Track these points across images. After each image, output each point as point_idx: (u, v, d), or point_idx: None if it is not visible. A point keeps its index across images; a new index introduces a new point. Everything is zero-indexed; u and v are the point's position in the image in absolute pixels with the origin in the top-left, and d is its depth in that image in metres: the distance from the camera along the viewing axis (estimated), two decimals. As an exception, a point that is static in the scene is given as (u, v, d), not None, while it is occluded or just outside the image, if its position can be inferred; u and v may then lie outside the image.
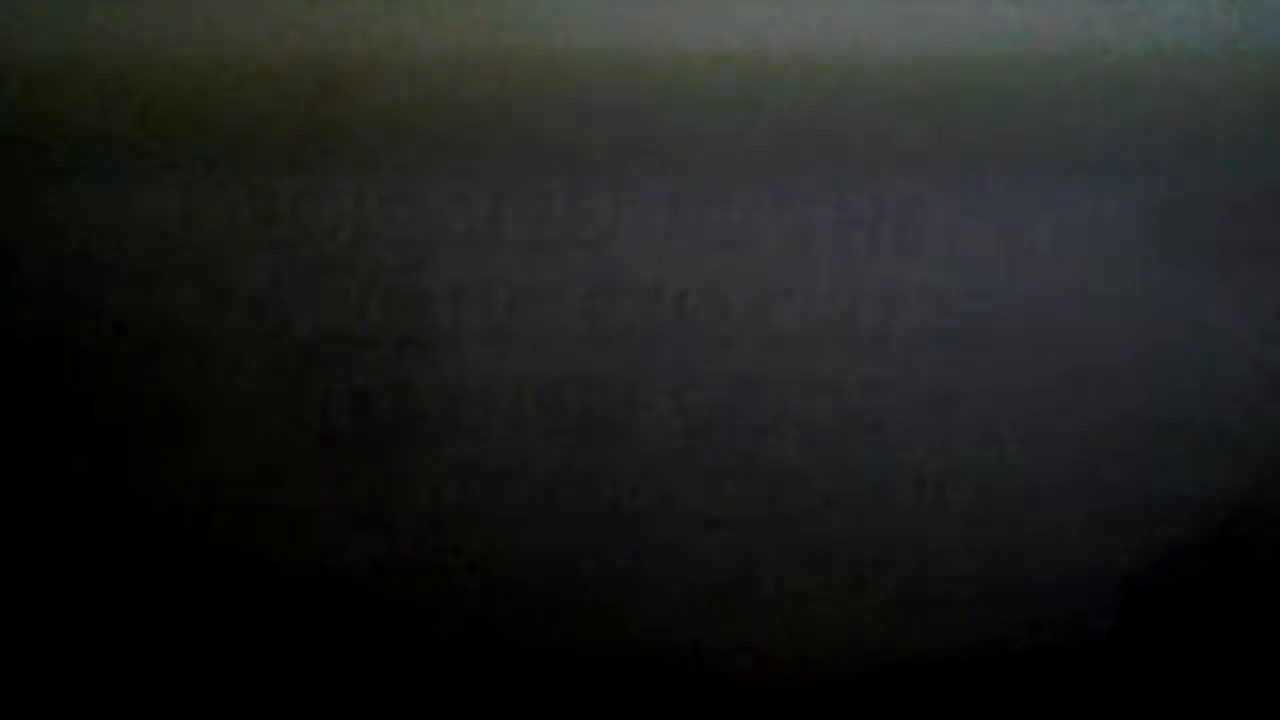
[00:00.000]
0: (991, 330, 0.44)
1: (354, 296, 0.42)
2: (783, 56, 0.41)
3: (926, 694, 0.48)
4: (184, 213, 0.40)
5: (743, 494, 0.45)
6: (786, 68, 0.41)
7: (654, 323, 0.43)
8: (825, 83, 0.41)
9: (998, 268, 0.43)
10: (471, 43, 0.40)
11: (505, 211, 0.42)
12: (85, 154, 0.39)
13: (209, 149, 0.40)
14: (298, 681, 0.45)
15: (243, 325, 0.41)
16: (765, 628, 0.47)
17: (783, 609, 0.47)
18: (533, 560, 0.45)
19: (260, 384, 0.42)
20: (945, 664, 0.48)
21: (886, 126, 0.42)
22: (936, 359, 0.44)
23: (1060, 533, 0.46)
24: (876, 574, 0.47)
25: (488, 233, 0.42)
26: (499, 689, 0.46)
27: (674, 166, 0.42)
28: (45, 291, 0.40)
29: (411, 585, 0.45)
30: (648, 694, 0.47)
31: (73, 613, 0.44)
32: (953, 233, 0.43)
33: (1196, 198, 0.43)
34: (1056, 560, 0.47)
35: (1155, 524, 0.46)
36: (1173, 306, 0.44)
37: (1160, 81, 0.42)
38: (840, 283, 0.43)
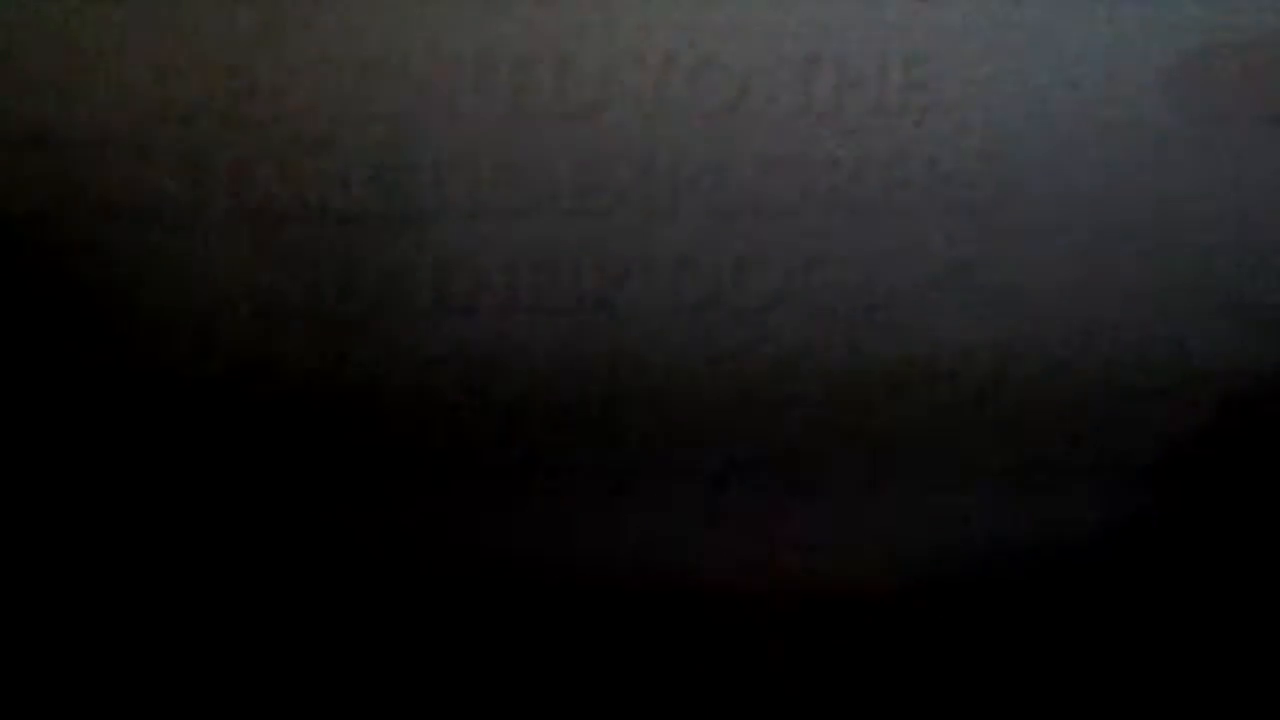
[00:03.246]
0: (1003, 197, 0.42)
1: (336, 173, 0.41)
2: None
3: (940, 594, 0.46)
4: (162, 91, 0.40)
5: (746, 373, 0.43)
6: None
7: (649, 195, 0.42)
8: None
9: (1009, 131, 0.41)
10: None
11: (490, 81, 0.40)
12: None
13: (185, 26, 0.39)
14: (296, 569, 0.45)
15: (225, 204, 0.41)
16: (768, 520, 0.45)
17: (787, 498, 0.45)
18: (527, 446, 0.44)
19: (245, 263, 0.41)
20: (961, 557, 0.46)
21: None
22: (947, 229, 0.42)
23: (1082, 411, 0.44)
24: (888, 459, 0.45)
25: (472, 104, 0.40)
26: (486, 584, 0.45)
27: (665, 30, 0.40)
28: (25, 169, 0.40)
29: (401, 469, 0.44)
30: (636, 593, 0.45)
31: (75, 495, 0.44)
32: (960, 96, 0.41)
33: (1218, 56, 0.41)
34: (1079, 441, 0.45)
35: (1181, 400, 0.44)
36: (1193, 170, 0.42)
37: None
38: (841, 150, 0.41)
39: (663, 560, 0.45)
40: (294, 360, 0.42)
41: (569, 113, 0.41)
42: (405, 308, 0.42)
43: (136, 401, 0.42)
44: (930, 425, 0.44)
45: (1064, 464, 0.45)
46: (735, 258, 0.42)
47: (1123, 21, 0.41)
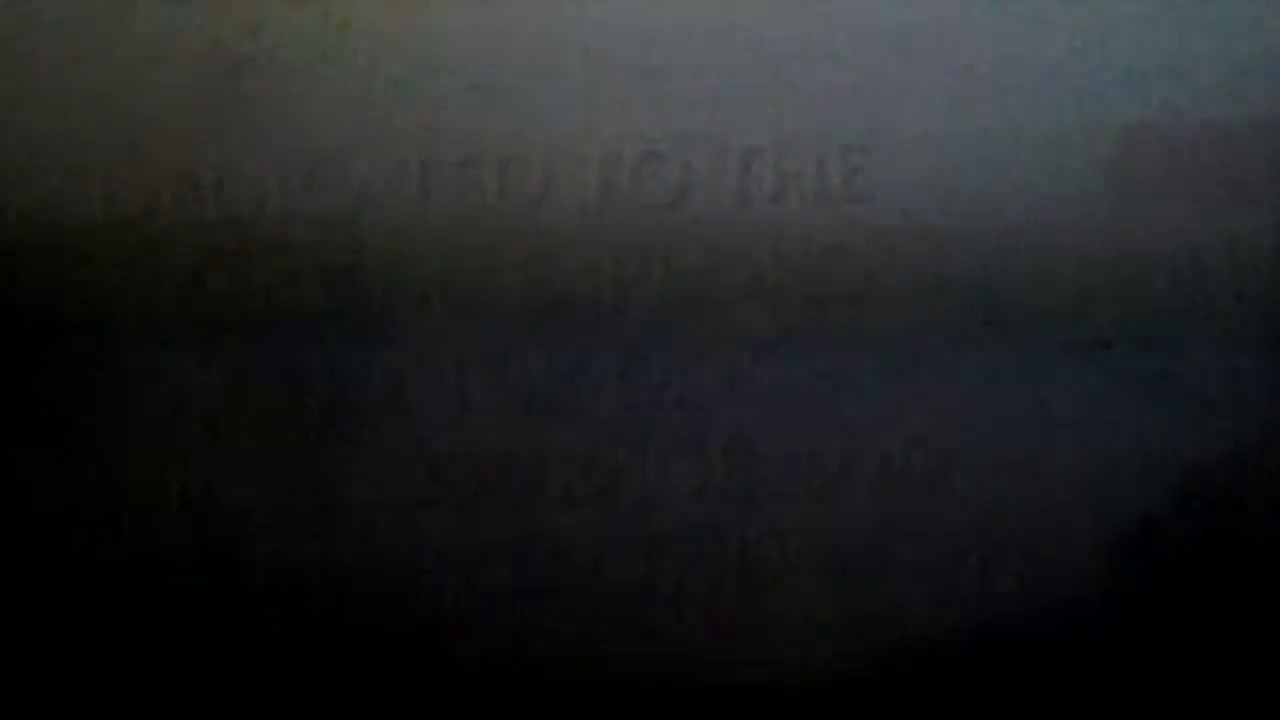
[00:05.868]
0: (950, 279, 0.42)
1: (284, 275, 0.41)
2: None
3: (901, 679, 0.45)
4: (106, 196, 0.40)
5: (697, 468, 0.43)
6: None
7: (596, 289, 0.42)
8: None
9: (951, 217, 0.42)
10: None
11: (435, 181, 0.41)
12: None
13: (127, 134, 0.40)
14: (242, 679, 0.44)
15: (173, 310, 0.41)
16: (728, 613, 0.44)
17: (744, 591, 0.44)
18: (483, 549, 0.43)
19: (193, 370, 0.41)
20: (920, 646, 0.45)
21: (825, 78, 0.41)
22: (894, 312, 0.42)
23: (1036, 500, 0.44)
24: (842, 552, 0.44)
25: (418, 205, 0.41)
26: (449, 684, 0.44)
27: (606, 126, 0.41)
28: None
29: (357, 577, 0.43)
30: (603, 687, 0.44)
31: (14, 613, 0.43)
32: (901, 184, 0.42)
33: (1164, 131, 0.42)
34: (1032, 528, 0.44)
35: (1138, 486, 0.44)
36: (1136, 249, 0.42)
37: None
38: (781, 238, 0.42)
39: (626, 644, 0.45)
40: (246, 467, 0.42)
41: (514, 210, 0.41)
42: (358, 411, 0.42)
43: (81, 521, 0.42)
44: (884, 513, 0.44)
45: (1031, 543, 0.44)
46: (684, 348, 0.42)
47: (1062, 109, 0.42)
